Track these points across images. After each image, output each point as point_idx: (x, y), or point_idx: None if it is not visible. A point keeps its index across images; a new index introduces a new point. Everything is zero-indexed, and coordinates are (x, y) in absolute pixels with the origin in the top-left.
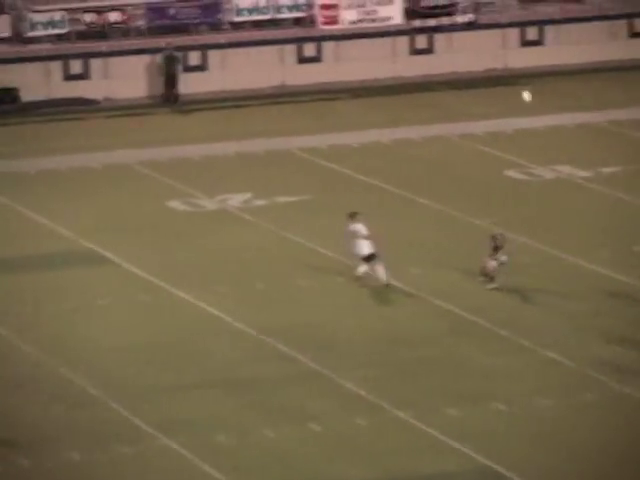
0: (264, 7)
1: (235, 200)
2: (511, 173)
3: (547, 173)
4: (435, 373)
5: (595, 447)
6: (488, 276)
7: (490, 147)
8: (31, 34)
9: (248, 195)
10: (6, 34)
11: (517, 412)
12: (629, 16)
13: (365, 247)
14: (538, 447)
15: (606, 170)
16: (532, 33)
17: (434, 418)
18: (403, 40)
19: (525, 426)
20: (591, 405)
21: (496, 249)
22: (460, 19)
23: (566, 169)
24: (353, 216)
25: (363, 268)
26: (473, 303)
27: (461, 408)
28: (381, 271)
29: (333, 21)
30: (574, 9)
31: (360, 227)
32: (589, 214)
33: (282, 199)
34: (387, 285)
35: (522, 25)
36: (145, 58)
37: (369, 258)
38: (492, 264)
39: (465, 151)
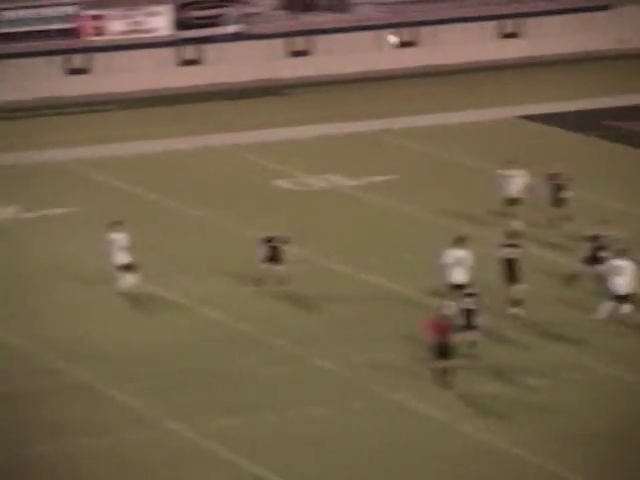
0: (31, 18)
1: (4, 213)
2: (280, 183)
3: (317, 182)
4: (208, 383)
5: (366, 454)
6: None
7: (259, 157)
8: None
9: (17, 208)
10: None
11: (290, 420)
12: (397, 26)
13: (122, 256)
14: (311, 455)
15: (375, 179)
16: (300, 43)
17: (207, 429)
18: (172, 51)
19: (298, 434)
20: (362, 412)
21: (276, 251)
22: (229, 30)
23: (335, 178)
24: (114, 225)
25: (125, 280)
26: (245, 312)
27: (234, 418)
28: (134, 281)
29: (101, 32)
30: (342, 19)
31: (120, 237)
32: (359, 222)
33: (51, 212)
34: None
35: (290, 35)
36: None
37: (126, 267)
38: (278, 269)
39: (234, 161)
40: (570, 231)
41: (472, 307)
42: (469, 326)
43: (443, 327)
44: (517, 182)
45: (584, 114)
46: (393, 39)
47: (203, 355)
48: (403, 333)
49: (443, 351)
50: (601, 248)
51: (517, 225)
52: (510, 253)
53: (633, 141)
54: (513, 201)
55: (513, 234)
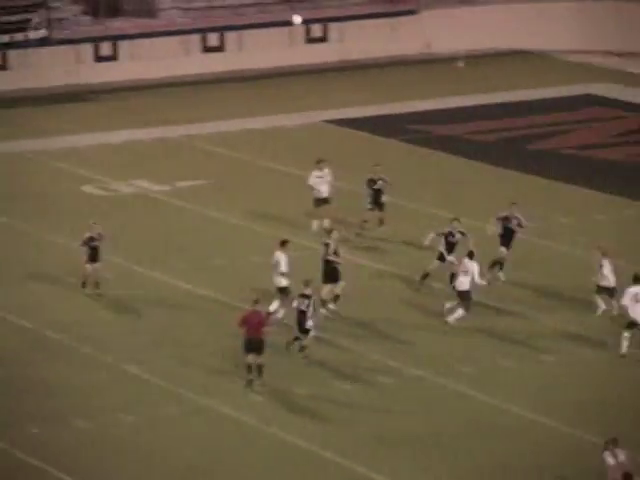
0: None
1: None
2: (88, 188)
3: (124, 188)
4: (15, 392)
5: (178, 460)
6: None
7: (67, 163)
8: None
9: None
10: None
11: (99, 429)
12: (203, 31)
13: None
14: (122, 462)
15: (183, 184)
16: (107, 48)
17: (15, 437)
18: None
19: (109, 441)
20: (173, 418)
21: (96, 251)
22: (34, 35)
23: (143, 183)
24: None
25: None
26: (53, 319)
27: (43, 427)
28: None
29: None
30: (148, 24)
31: None
32: (168, 228)
33: None
34: None
35: (97, 40)
36: None
37: None
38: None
39: (42, 167)
40: (383, 234)
41: (304, 309)
42: (302, 328)
43: (255, 322)
44: (326, 183)
45: (391, 118)
46: (297, 19)
47: (10, 363)
48: (213, 337)
49: (254, 346)
50: (453, 245)
51: (326, 225)
52: (326, 254)
53: (438, 145)
54: (322, 202)
55: (329, 233)
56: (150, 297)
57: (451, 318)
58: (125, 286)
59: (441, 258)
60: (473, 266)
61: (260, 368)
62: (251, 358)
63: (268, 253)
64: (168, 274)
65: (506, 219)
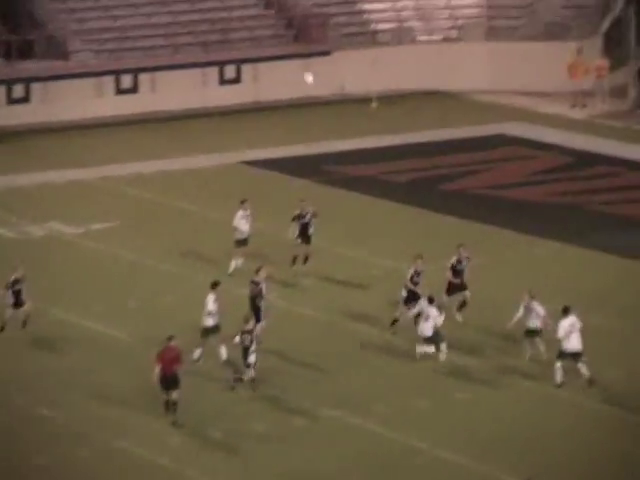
0: None
1: None
2: (1, 231)
3: (37, 230)
4: None
5: None
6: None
7: None
8: None
9: None
10: None
11: (10, 471)
12: (116, 72)
13: None
14: None
15: (96, 226)
16: (18, 90)
17: None
18: None
19: None
20: (86, 460)
21: (18, 293)
22: None
23: (56, 226)
24: None
25: None
26: None
27: None
28: None
29: None
30: (61, 66)
31: None
32: (81, 270)
33: None
34: None
35: (8, 83)
36: None
37: None
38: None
39: None
40: (306, 272)
41: (248, 344)
42: (247, 363)
43: (169, 358)
44: (248, 224)
45: (306, 159)
46: (309, 78)
47: None
48: (128, 379)
49: (169, 382)
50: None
51: (239, 264)
52: (251, 290)
53: (353, 185)
54: (242, 242)
55: (257, 272)
56: (65, 339)
57: (420, 349)
58: (40, 328)
59: (407, 301)
60: (432, 311)
61: (175, 405)
62: (167, 394)
63: (183, 293)
64: (83, 316)
65: (458, 262)
